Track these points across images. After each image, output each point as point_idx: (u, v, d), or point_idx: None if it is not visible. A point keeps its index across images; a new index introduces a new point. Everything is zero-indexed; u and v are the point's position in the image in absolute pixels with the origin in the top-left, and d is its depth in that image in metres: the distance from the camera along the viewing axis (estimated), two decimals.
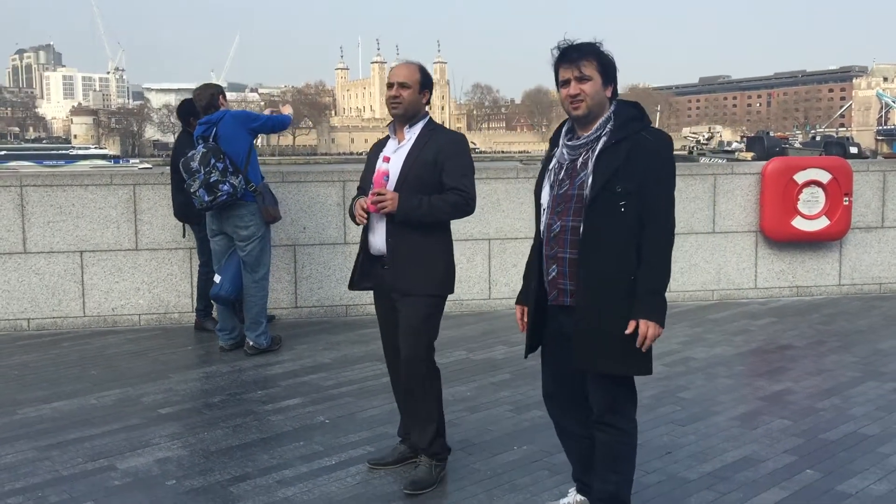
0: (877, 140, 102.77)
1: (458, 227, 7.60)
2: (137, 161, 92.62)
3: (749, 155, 53.59)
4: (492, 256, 7.78)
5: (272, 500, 3.83)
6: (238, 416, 5.00)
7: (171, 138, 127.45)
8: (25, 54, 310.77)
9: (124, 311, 7.23)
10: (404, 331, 3.91)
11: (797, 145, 61.17)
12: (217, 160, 5.98)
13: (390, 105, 3.89)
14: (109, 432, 4.72)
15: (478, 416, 4.98)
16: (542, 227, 3.28)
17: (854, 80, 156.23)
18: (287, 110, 6.67)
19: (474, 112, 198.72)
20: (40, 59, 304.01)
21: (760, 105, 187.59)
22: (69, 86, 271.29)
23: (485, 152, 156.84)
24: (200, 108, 6.36)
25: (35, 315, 7.09)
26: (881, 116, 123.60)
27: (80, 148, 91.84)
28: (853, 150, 55.15)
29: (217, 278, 6.27)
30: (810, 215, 7.97)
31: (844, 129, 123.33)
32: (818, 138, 68.04)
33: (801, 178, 7.96)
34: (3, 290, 7.03)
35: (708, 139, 73.97)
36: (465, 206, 3.87)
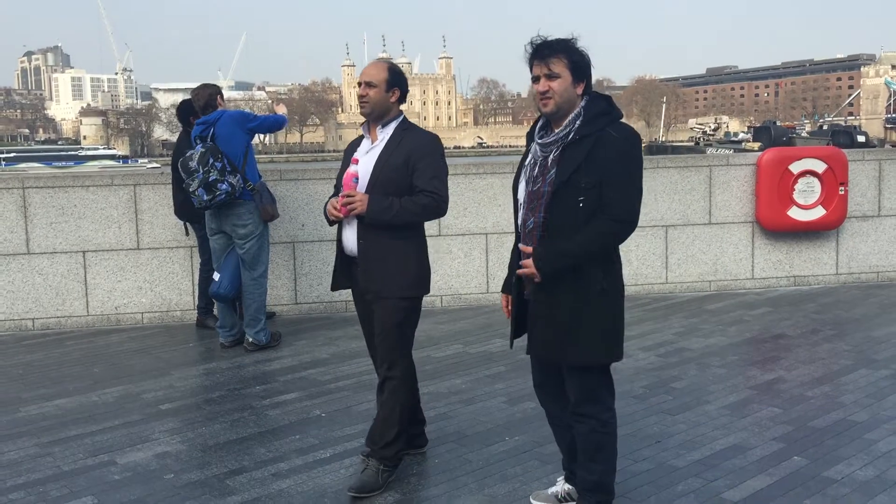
0: (885, 128, 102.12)
1: (455, 222, 7.75)
2: (146, 161, 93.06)
3: (756, 145, 53.44)
4: (489, 251, 7.85)
5: (267, 493, 3.92)
6: (236, 410, 5.10)
7: None
8: (34, 56, 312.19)
9: (127, 309, 7.33)
10: (378, 333, 3.92)
11: (804, 135, 60.97)
12: (215, 160, 6.07)
13: (359, 104, 3.90)
14: (110, 428, 4.82)
15: (472, 408, 5.05)
16: (518, 223, 3.37)
17: (862, 69, 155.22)
18: (281, 110, 6.76)
19: (481, 106, 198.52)
20: (49, 61, 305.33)
21: (768, 95, 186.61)
22: (78, 87, 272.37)
23: (492, 146, 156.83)
24: (199, 108, 6.45)
25: (39, 315, 7.20)
26: (890, 104, 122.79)
27: (88, 149, 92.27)
28: (860, 138, 54.96)
29: (216, 276, 6.36)
30: (806, 205, 8.01)
31: (853, 117, 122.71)
32: (825, 127, 67.73)
33: (796, 168, 8.00)
34: (8, 291, 7.14)
35: (714, 130, 73.76)
36: (436, 208, 3.83)
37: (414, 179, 3.81)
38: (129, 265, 7.31)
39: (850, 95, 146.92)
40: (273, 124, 6.62)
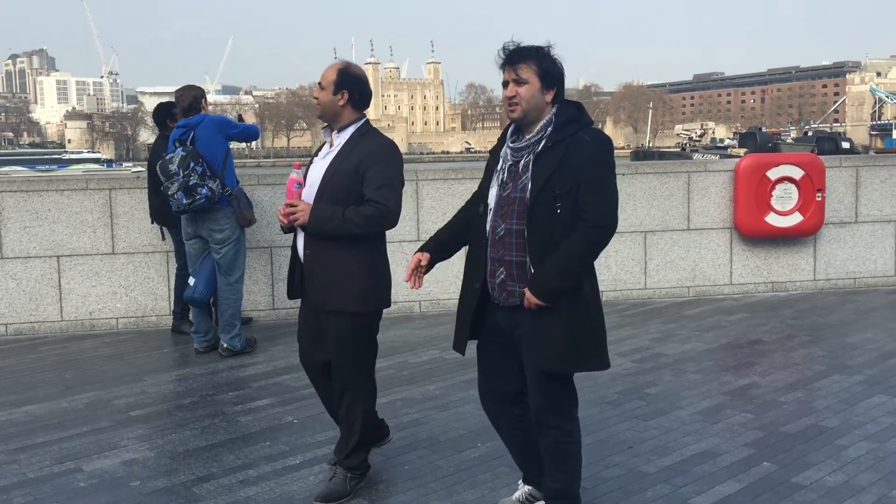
0: (871, 135, 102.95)
1: (435, 227, 7.67)
2: (131, 164, 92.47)
3: (741, 151, 53.63)
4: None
5: (233, 500, 3.88)
6: (207, 417, 5.06)
7: None
8: (19, 59, 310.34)
9: (102, 315, 7.27)
10: (334, 346, 3.81)
11: (789, 141, 61.29)
12: (196, 164, 6.03)
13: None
14: (78, 435, 4.77)
15: (445, 414, 5.03)
16: (486, 228, 3.31)
17: (847, 76, 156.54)
18: (249, 119, 6.73)
19: (469, 112, 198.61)
20: (34, 64, 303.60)
21: (755, 101, 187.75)
22: (63, 90, 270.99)
23: (480, 152, 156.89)
24: (182, 109, 6.39)
25: (13, 320, 7.13)
26: (875, 111, 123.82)
27: (73, 152, 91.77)
28: (845, 144, 55.27)
29: (191, 281, 6.32)
30: (784, 211, 8.04)
31: (839, 124, 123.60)
32: (810, 134, 68.17)
33: (773, 174, 8.03)
34: None
35: (700, 136, 74.11)
36: (381, 219, 3.64)
37: (364, 188, 3.63)
38: (104, 270, 7.25)
39: (835, 102, 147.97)
40: (251, 134, 6.65)
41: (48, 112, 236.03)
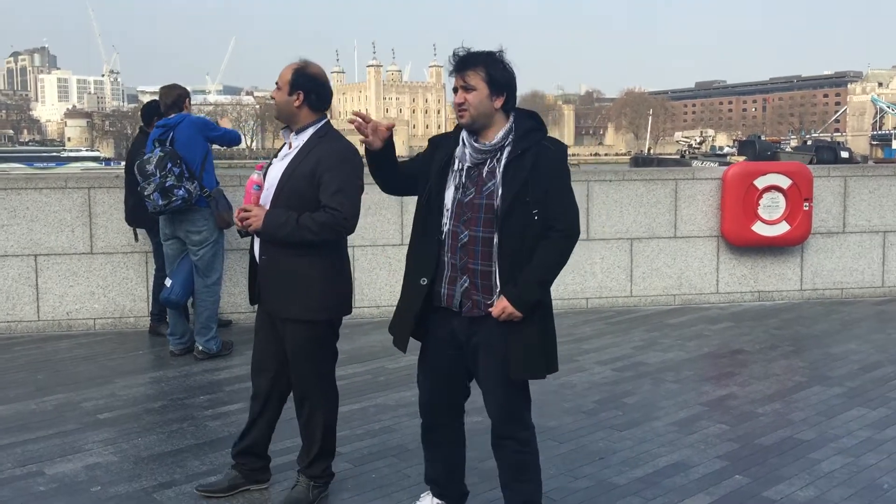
0: (871, 145, 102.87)
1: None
2: None
3: (741, 159, 53.65)
4: None
5: None
6: (176, 421, 4.98)
7: None
8: (20, 57, 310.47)
9: (79, 315, 7.20)
10: (291, 355, 3.72)
11: (788, 150, 61.31)
12: (174, 165, 5.96)
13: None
14: (44, 437, 4.69)
15: (417, 422, 4.91)
16: (442, 230, 3.20)
17: (849, 86, 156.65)
18: (225, 124, 6.70)
19: None
20: (35, 62, 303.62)
21: (756, 110, 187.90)
22: (64, 88, 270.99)
23: None
24: (164, 107, 6.34)
25: None
26: (876, 121, 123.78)
27: (71, 150, 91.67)
28: (844, 154, 55.32)
29: (168, 282, 6.25)
30: (770, 220, 7.97)
31: (839, 134, 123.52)
32: (810, 143, 68.17)
33: (761, 183, 7.97)
34: None
35: (700, 143, 74.10)
36: (337, 226, 3.50)
37: (320, 193, 3.51)
38: (82, 270, 7.18)
39: (836, 112, 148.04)
40: (232, 139, 6.63)
41: (49, 110, 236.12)
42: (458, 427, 3.44)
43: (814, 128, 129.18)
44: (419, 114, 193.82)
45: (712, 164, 38.16)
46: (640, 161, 63.51)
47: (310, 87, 3.62)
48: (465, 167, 3.17)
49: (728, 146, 79.94)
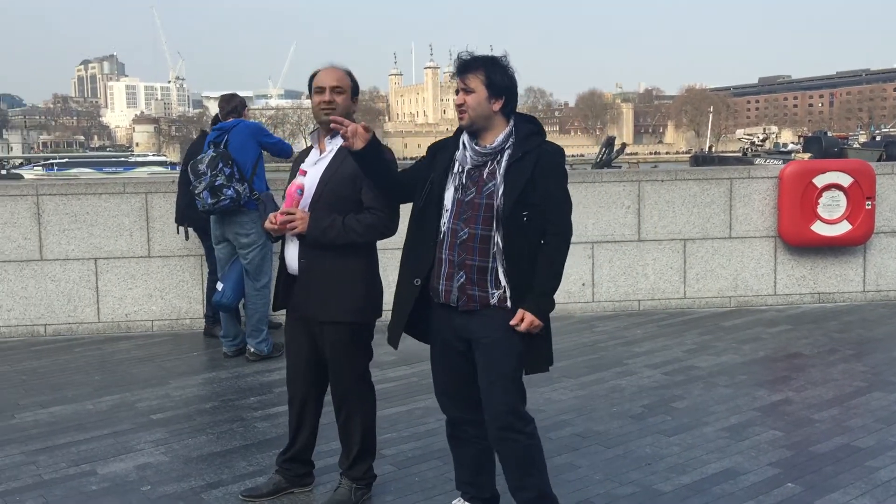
0: None
1: None
2: None
3: (806, 156, 52.25)
4: None
5: None
6: (226, 422, 5.06)
7: None
8: (90, 65, 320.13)
9: (137, 317, 7.38)
10: (331, 359, 3.74)
11: (856, 145, 59.44)
12: (225, 165, 6.11)
13: (322, 111, 3.64)
14: (98, 437, 4.81)
15: None
16: (441, 229, 3.30)
17: None
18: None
19: None
20: (104, 70, 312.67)
21: (822, 105, 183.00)
22: (132, 95, 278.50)
23: None
24: (223, 115, 6.57)
25: (51, 321, 7.28)
26: None
27: (138, 155, 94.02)
28: None
29: (219, 286, 6.36)
30: (831, 220, 7.75)
31: None
32: (879, 138, 66.01)
33: (820, 181, 7.74)
34: (21, 297, 7.23)
35: (763, 140, 72.39)
36: (382, 227, 3.58)
37: (362, 195, 3.58)
38: (140, 273, 7.36)
39: None
40: (284, 150, 6.82)
41: (118, 116, 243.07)
42: (481, 423, 3.44)
43: (884, 123, 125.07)
44: None
45: (775, 162, 37.25)
46: (700, 159, 62.26)
47: (359, 91, 3.75)
48: (465, 169, 3.27)
49: (793, 143, 77.89)
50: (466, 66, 3.23)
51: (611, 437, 4.70)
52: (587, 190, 7.71)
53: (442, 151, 3.37)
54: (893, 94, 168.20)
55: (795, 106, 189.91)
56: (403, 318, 3.41)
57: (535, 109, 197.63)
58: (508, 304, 3.25)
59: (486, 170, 3.23)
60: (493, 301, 3.26)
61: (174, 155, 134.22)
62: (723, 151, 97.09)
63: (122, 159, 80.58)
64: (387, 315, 3.60)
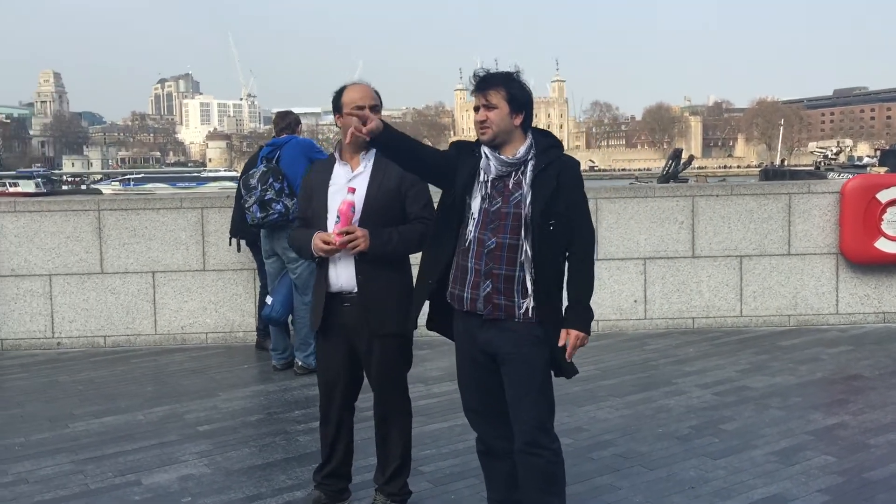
0: None
1: None
2: None
3: (882, 169, 50.57)
4: None
5: None
6: (269, 435, 5.12)
7: None
8: (166, 83, 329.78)
9: (192, 329, 7.54)
10: (380, 373, 3.78)
11: None
12: (275, 180, 6.23)
13: (353, 130, 3.57)
14: (145, 448, 4.92)
15: None
16: (468, 238, 3.30)
17: None
18: None
19: (593, 130, 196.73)
20: (180, 88, 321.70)
21: None
22: (206, 112, 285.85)
23: (604, 170, 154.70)
24: (276, 131, 6.73)
25: (111, 332, 7.49)
26: None
27: (210, 171, 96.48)
28: None
29: (269, 299, 6.44)
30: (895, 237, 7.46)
31: None
32: None
33: (884, 196, 7.48)
34: (83, 309, 7.46)
35: (836, 153, 70.34)
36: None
37: (407, 206, 3.70)
38: (195, 286, 7.52)
39: None
40: None
41: (192, 133, 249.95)
42: (508, 436, 3.41)
43: None
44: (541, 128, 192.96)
45: (849, 176, 36.11)
46: (770, 173, 60.86)
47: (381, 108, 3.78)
48: (489, 179, 3.30)
49: (868, 156, 75.47)
50: (487, 83, 3.28)
51: (654, 458, 4.60)
52: (639, 205, 7.60)
53: (465, 156, 3.36)
54: None
55: (872, 118, 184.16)
56: (420, 306, 3.51)
57: (601, 123, 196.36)
58: (535, 313, 3.26)
59: (512, 180, 3.28)
60: (520, 312, 3.26)
61: None
62: (795, 165, 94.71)
63: (195, 174, 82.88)
64: (420, 327, 3.64)
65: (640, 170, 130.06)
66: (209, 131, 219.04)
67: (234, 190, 6.92)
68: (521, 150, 3.30)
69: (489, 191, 3.29)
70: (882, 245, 7.49)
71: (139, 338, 7.52)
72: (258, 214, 6.19)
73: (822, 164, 63.79)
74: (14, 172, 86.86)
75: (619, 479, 4.30)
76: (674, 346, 7.02)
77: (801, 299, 7.76)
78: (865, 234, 7.49)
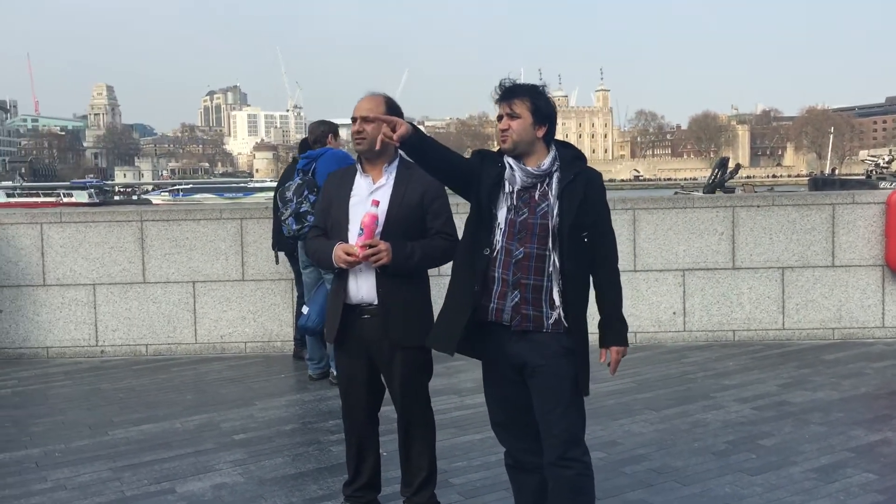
0: None
1: None
2: None
3: None
4: None
5: None
6: (302, 444, 5.16)
7: None
8: (215, 95, 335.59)
9: (232, 338, 7.63)
10: (403, 385, 3.77)
11: None
12: (310, 192, 6.28)
13: (354, 142, 3.73)
14: (181, 456, 4.99)
15: None
16: (496, 248, 3.26)
17: None
18: None
19: (638, 139, 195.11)
20: (228, 100, 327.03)
21: None
22: (253, 123, 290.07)
23: (649, 180, 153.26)
24: (310, 142, 6.74)
25: (152, 341, 7.62)
26: None
27: (257, 181, 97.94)
28: None
29: (305, 309, 6.48)
30: None
31: None
32: None
33: None
34: (125, 318, 7.61)
35: (889, 162, 68.82)
36: (452, 252, 3.62)
37: (429, 221, 3.71)
38: (235, 296, 7.62)
39: None
40: None
41: (240, 144, 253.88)
42: (535, 450, 3.38)
43: None
44: (585, 138, 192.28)
45: None
46: (819, 182, 59.73)
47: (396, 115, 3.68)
48: (515, 189, 3.29)
49: None
50: (513, 93, 3.28)
51: (689, 473, 4.53)
52: (677, 216, 7.51)
53: (488, 165, 3.32)
54: None
55: None
56: (461, 326, 3.29)
57: (646, 133, 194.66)
58: (564, 323, 3.23)
59: (538, 191, 3.27)
60: (549, 322, 3.24)
61: None
62: (846, 174, 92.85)
63: (242, 185, 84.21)
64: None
65: (685, 179, 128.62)
66: (256, 142, 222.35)
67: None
68: (546, 161, 3.29)
69: (515, 201, 3.28)
70: None
71: (180, 346, 7.64)
72: (294, 226, 6.25)
73: (874, 172, 62.48)
74: (68, 183, 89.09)
75: (652, 495, 4.24)
76: (713, 360, 6.91)
77: (846, 312, 7.59)
78: None
